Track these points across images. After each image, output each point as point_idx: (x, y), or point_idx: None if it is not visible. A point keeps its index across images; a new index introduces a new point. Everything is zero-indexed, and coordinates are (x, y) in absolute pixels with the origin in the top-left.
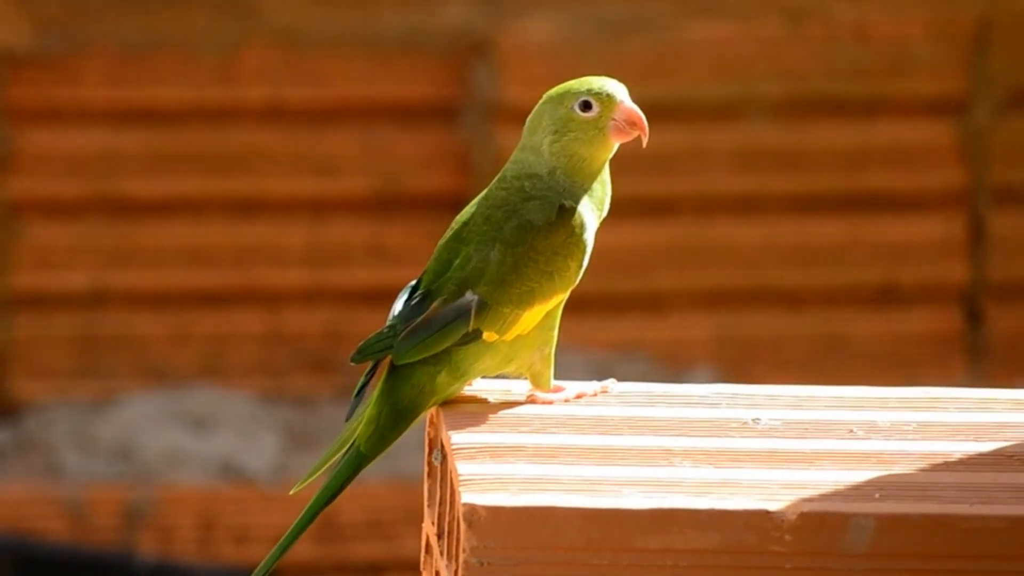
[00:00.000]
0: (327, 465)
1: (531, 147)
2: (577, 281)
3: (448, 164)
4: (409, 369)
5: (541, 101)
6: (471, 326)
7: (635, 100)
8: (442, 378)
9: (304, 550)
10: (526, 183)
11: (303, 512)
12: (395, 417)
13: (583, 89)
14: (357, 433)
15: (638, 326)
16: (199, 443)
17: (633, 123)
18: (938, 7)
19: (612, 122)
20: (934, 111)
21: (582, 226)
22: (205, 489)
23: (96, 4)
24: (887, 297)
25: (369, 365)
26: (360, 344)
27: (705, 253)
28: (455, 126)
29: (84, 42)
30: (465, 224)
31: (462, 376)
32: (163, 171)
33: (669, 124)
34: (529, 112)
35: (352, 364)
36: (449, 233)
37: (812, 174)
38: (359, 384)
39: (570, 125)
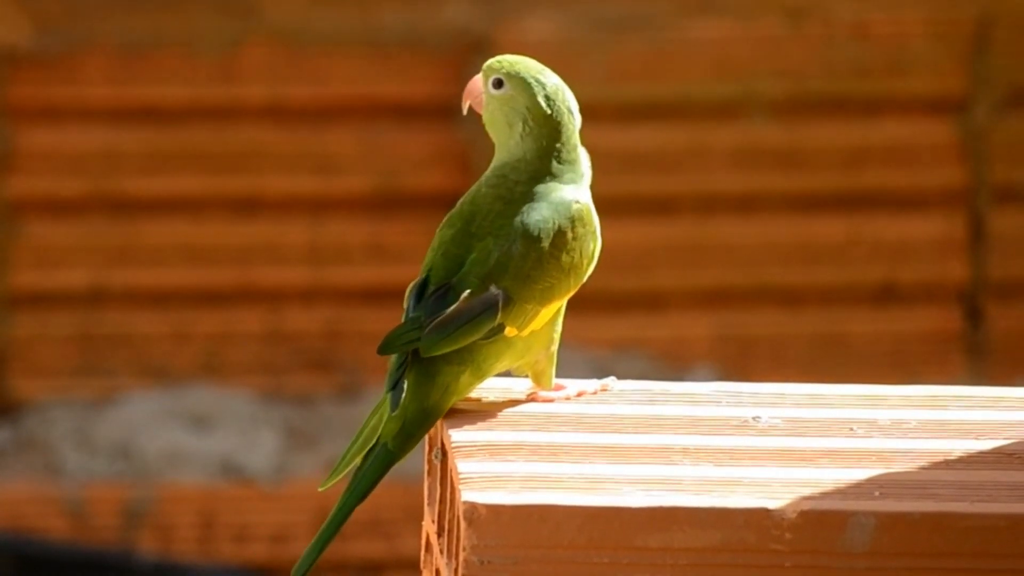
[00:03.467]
0: (353, 463)
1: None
2: (586, 278)
3: (448, 163)
4: (435, 369)
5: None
6: (498, 320)
7: (635, 98)
8: (465, 378)
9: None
10: (547, 178)
11: (333, 513)
12: (422, 416)
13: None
14: (382, 431)
15: (638, 325)
16: (199, 442)
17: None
18: (938, 6)
19: None
20: (934, 110)
21: (591, 217)
22: (205, 488)
23: (96, 3)
24: (887, 296)
25: (395, 360)
26: (386, 336)
27: (705, 252)
28: (455, 125)
29: (84, 41)
30: (470, 220)
31: (483, 375)
32: (163, 170)
33: (669, 123)
34: None
35: (379, 355)
36: (451, 230)
37: (812, 173)
38: (393, 379)
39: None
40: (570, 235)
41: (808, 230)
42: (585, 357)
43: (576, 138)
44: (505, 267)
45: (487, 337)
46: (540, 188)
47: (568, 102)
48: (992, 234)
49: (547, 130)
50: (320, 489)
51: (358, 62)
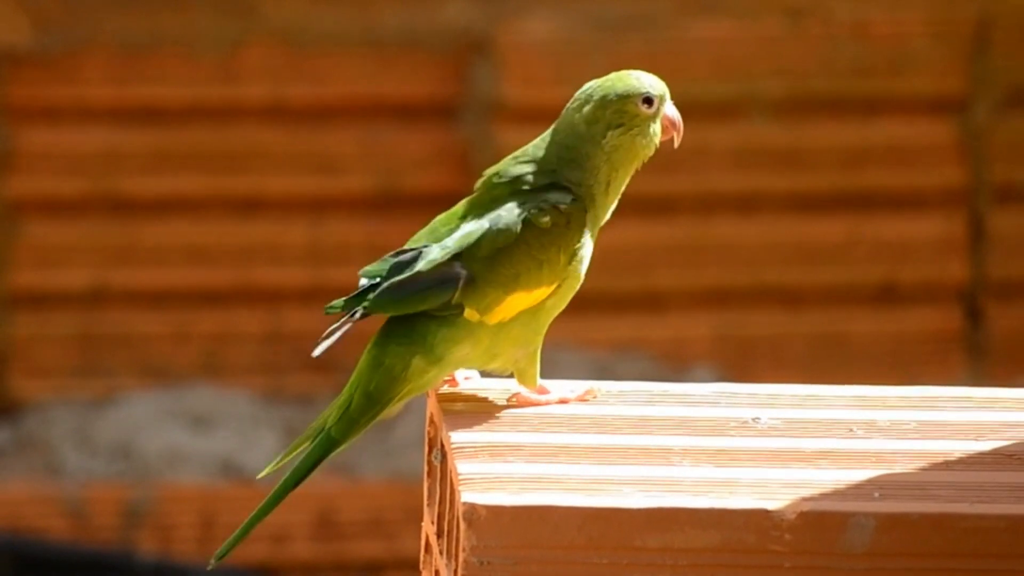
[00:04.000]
0: (296, 451)
1: (588, 137)
2: (566, 277)
3: (448, 163)
4: (384, 351)
5: (601, 93)
6: (455, 299)
7: None
8: (417, 361)
9: (303, 548)
10: (564, 171)
11: (269, 495)
12: (366, 402)
13: (646, 85)
14: (328, 416)
15: (638, 325)
16: (199, 442)
17: (673, 123)
18: (938, 6)
19: (666, 119)
20: (934, 110)
21: (582, 224)
22: (205, 488)
23: (96, 3)
24: (887, 296)
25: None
26: (336, 300)
27: (705, 252)
28: (455, 125)
29: (84, 41)
30: (473, 204)
31: (438, 362)
32: (163, 170)
33: None
34: (530, 110)
35: (326, 314)
36: (448, 211)
37: (812, 173)
38: (328, 331)
39: (635, 120)
40: (551, 228)
41: (808, 230)
42: (585, 357)
43: (599, 162)
44: (476, 245)
45: (442, 311)
46: (553, 184)
47: (589, 108)
48: (992, 234)
49: (561, 124)
50: (258, 477)
51: (358, 62)
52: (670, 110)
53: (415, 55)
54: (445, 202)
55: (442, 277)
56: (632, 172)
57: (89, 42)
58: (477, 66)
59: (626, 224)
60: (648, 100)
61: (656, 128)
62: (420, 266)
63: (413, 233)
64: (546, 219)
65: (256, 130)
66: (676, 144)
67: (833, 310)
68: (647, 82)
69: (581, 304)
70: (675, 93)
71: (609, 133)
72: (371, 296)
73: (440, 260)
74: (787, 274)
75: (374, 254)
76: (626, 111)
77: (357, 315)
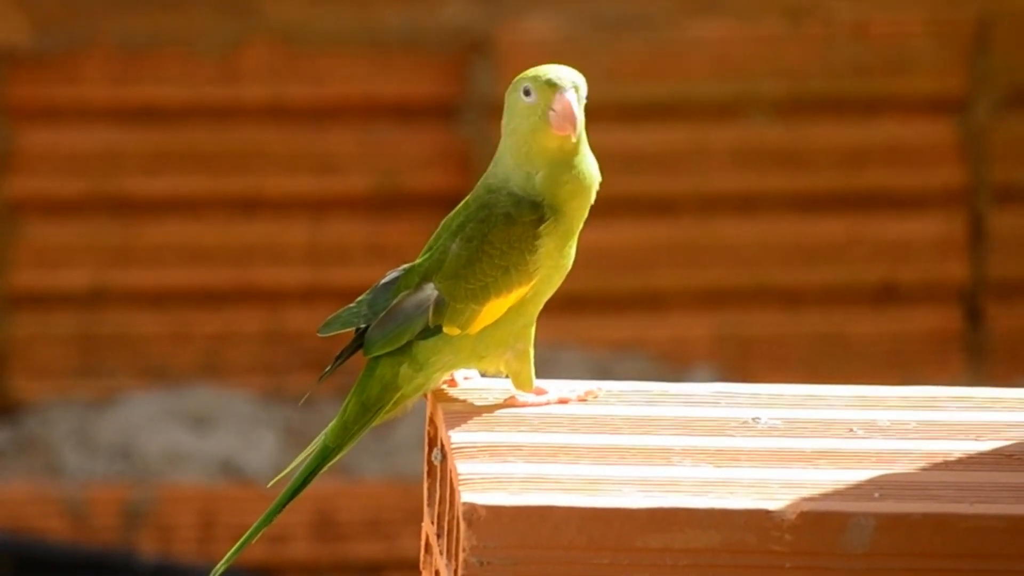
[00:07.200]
0: (302, 458)
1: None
2: (538, 269)
3: (448, 162)
4: (375, 361)
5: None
6: (431, 322)
7: (635, 98)
8: (404, 370)
9: (303, 549)
10: (498, 170)
11: (272, 504)
12: (360, 410)
13: (528, 75)
14: (328, 426)
15: (638, 325)
16: (199, 442)
17: (564, 117)
18: (938, 6)
19: (551, 112)
20: (934, 110)
21: (536, 219)
22: (205, 488)
23: (96, 3)
24: (887, 296)
25: (343, 346)
26: (328, 318)
27: (705, 252)
28: (455, 124)
29: (84, 41)
30: (456, 214)
31: (423, 369)
32: (163, 170)
33: (669, 123)
34: None
35: (319, 335)
36: (443, 221)
37: (812, 173)
38: (335, 359)
39: (514, 110)
40: (506, 232)
41: (808, 230)
42: (585, 357)
43: (509, 148)
44: (440, 265)
45: (426, 336)
46: (499, 186)
47: (519, 90)
48: (992, 234)
49: (506, 127)
50: (269, 485)
51: (358, 62)
52: (558, 105)
53: (415, 55)
54: (445, 202)
55: (415, 306)
56: (549, 159)
57: (89, 42)
58: (477, 66)
59: (626, 224)
60: (527, 91)
61: (545, 120)
62: (397, 297)
63: (413, 233)
64: (503, 225)
65: (256, 130)
66: (573, 139)
67: (833, 310)
68: (539, 72)
69: (581, 304)
70: (675, 93)
71: (503, 121)
72: (364, 337)
73: (412, 286)
74: (787, 274)
75: (374, 254)
76: (510, 99)
77: (343, 359)
